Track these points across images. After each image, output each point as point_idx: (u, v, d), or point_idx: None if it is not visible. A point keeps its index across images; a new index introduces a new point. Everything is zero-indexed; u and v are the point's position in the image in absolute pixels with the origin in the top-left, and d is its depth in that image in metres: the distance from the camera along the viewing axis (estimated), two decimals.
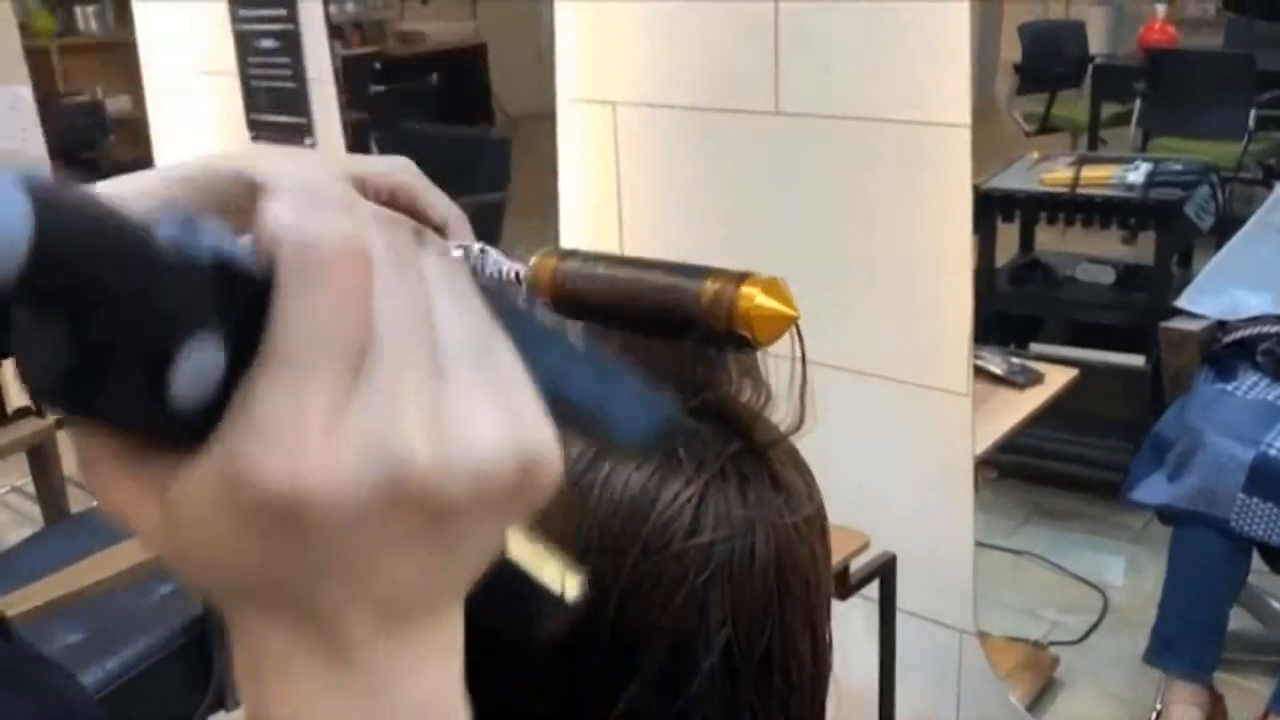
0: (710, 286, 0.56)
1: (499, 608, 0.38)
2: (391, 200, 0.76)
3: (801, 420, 0.59)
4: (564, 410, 0.34)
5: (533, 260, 0.64)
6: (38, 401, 0.26)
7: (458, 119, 6.18)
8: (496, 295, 0.33)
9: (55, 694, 0.71)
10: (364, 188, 0.75)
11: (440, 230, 0.77)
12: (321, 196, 0.30)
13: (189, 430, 0.28)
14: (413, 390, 0.29)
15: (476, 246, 0.74)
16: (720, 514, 0.54)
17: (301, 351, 0.28)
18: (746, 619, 0.54)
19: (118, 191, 0.75)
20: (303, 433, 0.28)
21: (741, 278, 0.56)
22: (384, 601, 0.30)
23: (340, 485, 0.28)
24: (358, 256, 0.29)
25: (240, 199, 0.74)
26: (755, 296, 0.55)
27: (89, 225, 0.26)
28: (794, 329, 0.56)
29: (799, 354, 0.57)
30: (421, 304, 0.30)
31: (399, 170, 0.76)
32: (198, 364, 0.28)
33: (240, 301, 0.28)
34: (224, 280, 0.28)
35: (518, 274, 0.70)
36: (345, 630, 0.30)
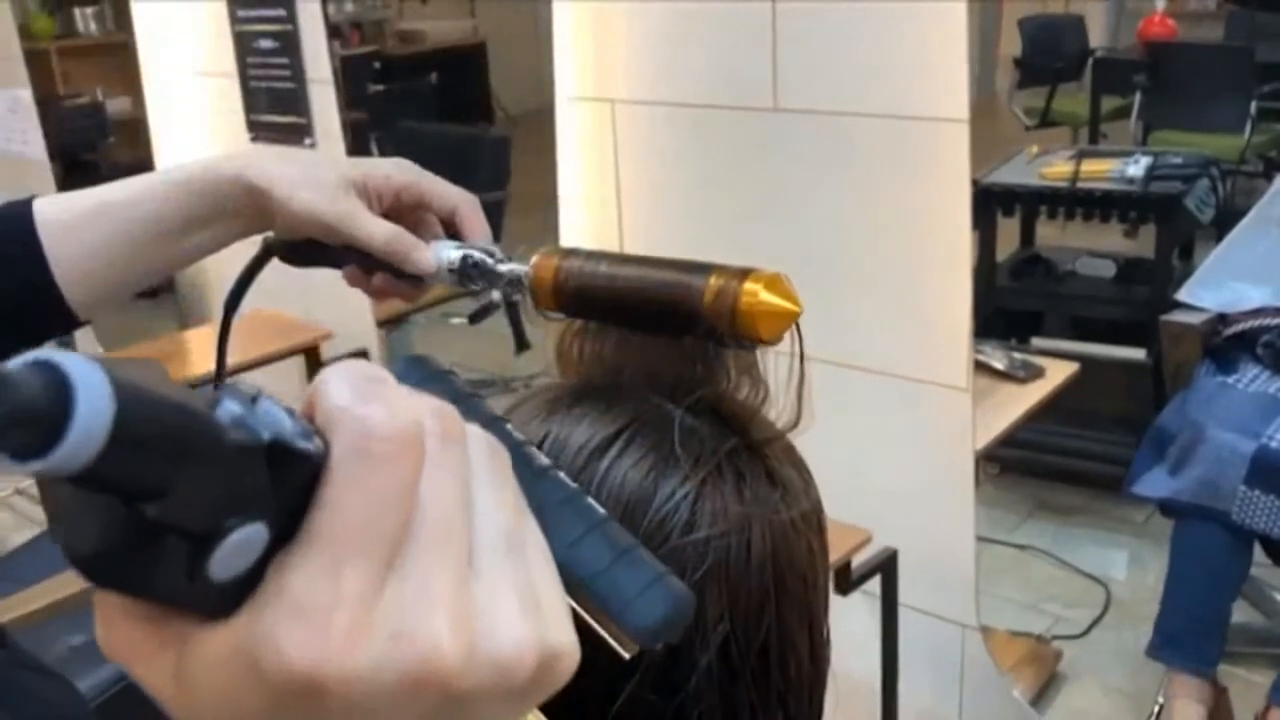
0: (714, 283, 0.56)
1: None
2: (397, 200, 0.76)
3: (799, 418, 0.59)
4: (576, 590, 0.36)
5: (534, 259, 0.64)
6: (74, 566, 0.25)
7: (457, 118, 6.18)
8: (522, 456, 0.33)
9: (52, 706, 0.71)
10: (367, 190, 0.75)
11: (451, 218, 0.77)
12: (381, 379, 0.30)
13: (218, 602, 0.28)
14: (445, 583, 0.29)
15: (478, 254, 0.74)
16: (717, 510, 0.54)
17: (343, 538, 0.28)
18: (743, 615, 0.54)
19: (124, 197, 0.75)
20: (332, 617, 0.27)
21: (745, 273, 0.56)
22: None
23: (363, 672, 0.28)
24: (413, 448, 0.29)
25: (237, 201, 0.74)
26: (759, 292, 0.55)
27: (161, 415, 0.26)
28: (794, 326, 0.56)
29: (798, 351, 0.57)
30: (463, 494, 0.31)
31: (400, 170, 0.76)
32: (241, 542, 0.28)
33: (291, 481, 0.28)
34: (278, 460, 0.28)
35: (518, 275, 0.70)
36: None
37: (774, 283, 0.55)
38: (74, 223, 0.75)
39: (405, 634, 0.28)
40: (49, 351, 0.25)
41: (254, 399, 0.29)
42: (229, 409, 0.28)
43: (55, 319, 0.75)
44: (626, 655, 0.40)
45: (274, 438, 0.28)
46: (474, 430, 0.33)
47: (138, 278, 0.77)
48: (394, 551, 0.29)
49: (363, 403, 0.29)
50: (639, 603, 0.39)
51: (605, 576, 0.38)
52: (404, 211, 0.76)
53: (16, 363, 0.24)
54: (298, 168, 0.73)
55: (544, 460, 0.40)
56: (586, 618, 0.40)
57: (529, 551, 0.32)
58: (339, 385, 0.30)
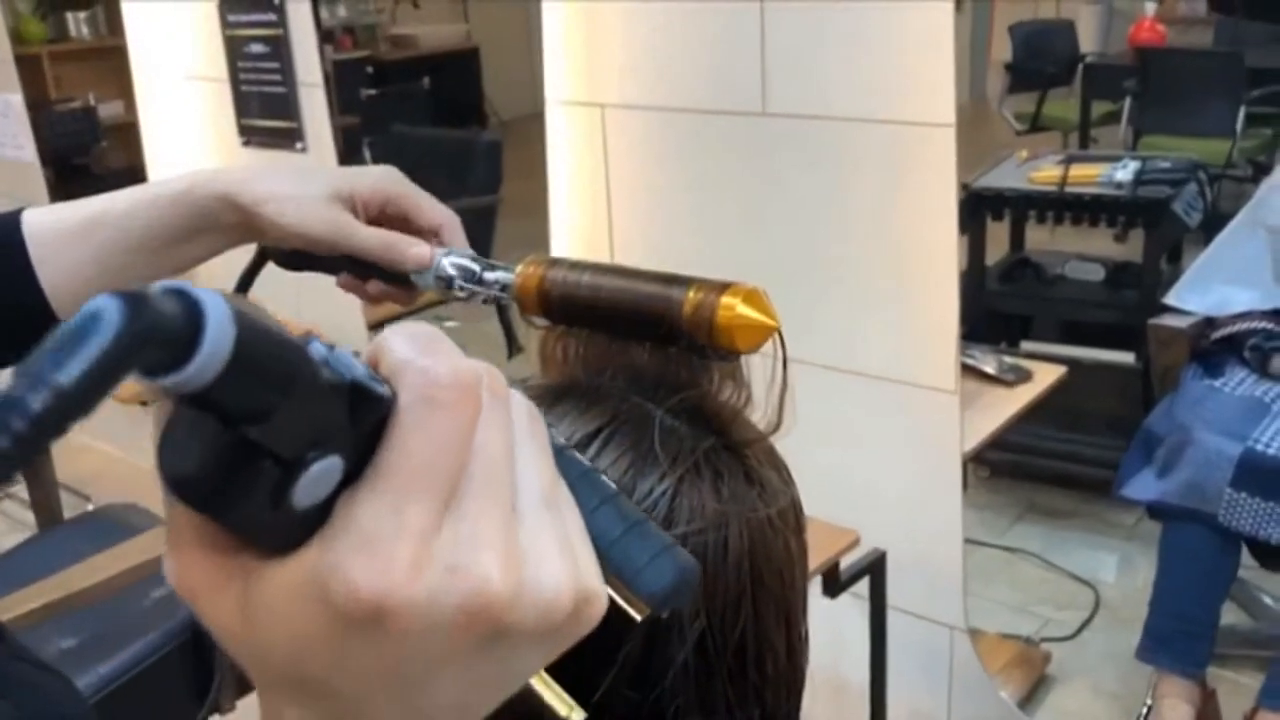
0: (692, 296, 0.57)
1: None
2: (383, 211, 0.77)
3: (780, 422, 0.60)
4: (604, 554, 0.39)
5: (519, 268, 0.65)
6: (171, 488, 0.27)
7: (450, 122, 6.18)
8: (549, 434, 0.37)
9: (49, 699, 0.72)
10: (353, 201, 0.75)
11: (434, 234, 0.78)
12: (439, 337, 0.33)
13: (292, 532, 0.31)
14: (495, 525, 0.32)
15: (466, 261, 0.75)
16: (694, 507, 0.55)
17: (408, 476, 0.30)
18: (720, 611, 0.55)
19: (112, 212, 0.76)
20: (397, 550, 0.30)
21: (723, 287, 0.57)
22: (424, 717, 0.33)
23: (423, 602, 0.30)
24: (473, 398, 0.32)
25: (226, 217, 0.75)
26: (736, 306, 0.56)
27: (270, 345, 0.29)
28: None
29: (780, 363, 0.58)
30: (510, 447, 0.33)
31: (388, 181, 0.77)
32: (322, 473, 0.30)
33: (364, 423, 0.31)
34: (355, 401, 0.31)
35: (504, 284, 0.71)
36: None
37: (752, 297, 0.56)
38: (62, 237, 0.75)
39: (461, 569, 0.30)
40: (177, 282, 0.28)
41: (331, 347, 0.32)
42: (318, 349, 0.31)
43: (45, 331, 0.76)
44: (638, 618, 0.42)
45: (354, 379, 0.31)
46: (515, 394, 0.35)
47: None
48: (451, 493, 0.31)
49: (427, 355, 0.32)
50: (649, 570, 0.41)
51: (618, 545, 0.40)
52: (387, 223, 0.77)
53: (154, 287, 0.27)
54: (285, 183, 0.74)
55: (560, 439, 0.42)
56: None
57: (563, 506, 0.35)
58: (403, 341, 0.32)
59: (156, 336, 0.27)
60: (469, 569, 0.30)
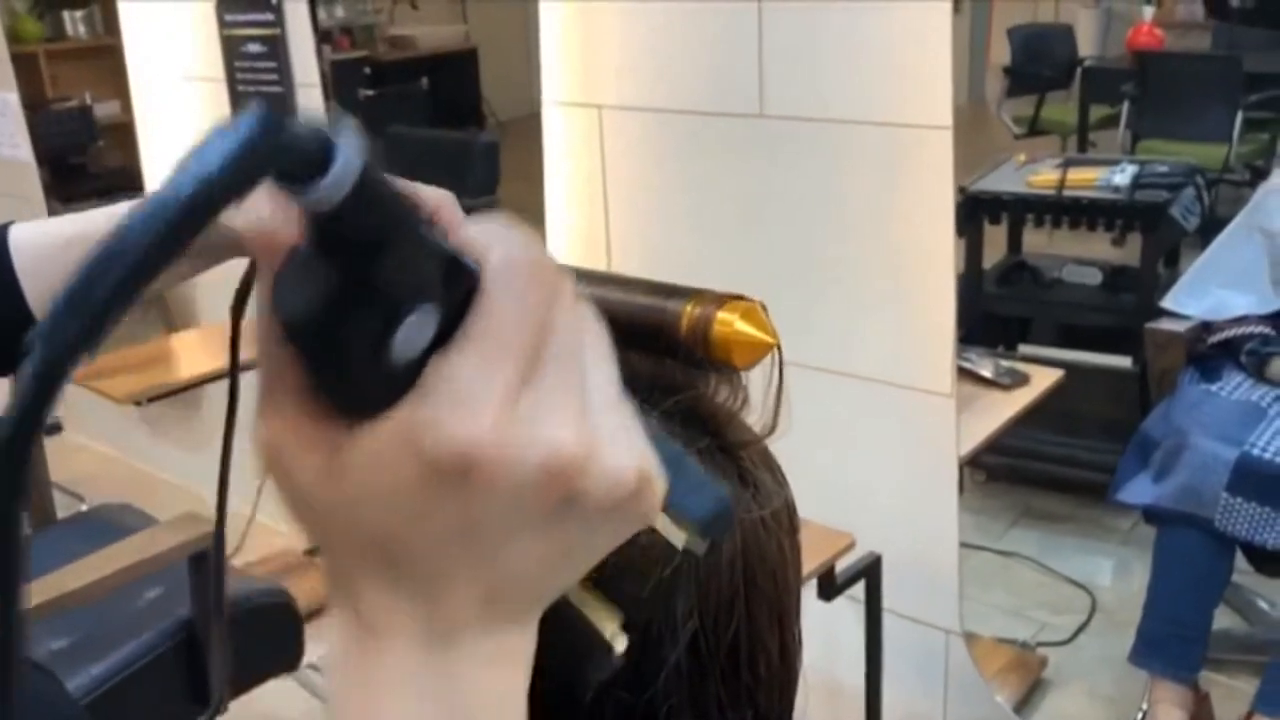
0: (689, 310, 0.57)
1: (558, 651, 0.42)
2: None
3: (775, 425, 0.60)
4: None
5: None
6: (285, 330, 0.32)
7: (448, 123, 6.17)
8: None
9: (41, 697, 0.71)
10: None
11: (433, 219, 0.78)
12: (523, 230, 0.35)
13: (385, 391, 0.32)
14: (572, 398, 0.33)
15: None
16: None
17: (497, 340, 0.32)
18: (713, 612, 0.55)
19: (98, 230, 0.76)
20: (487, 406, 0.31)
21: (721, 301, 0.57)
22: (495, 589, 0.35)
23: (508, 458, 0.32)
24: (558, 278, 0.34)
25: (215, 237, 0.75)
26: (733, 323, 0.55)
27: (387, 188, 0.32)
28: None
29: (777, 368, 0.58)
30: (583, 339, 0.35)
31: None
32: (417, 327, 0.32)
33: (454, 290, 0.33)
34: (449, 269, 0.33)
35: None
36: (451, 607, 0.34)
37: (750, 313, 0.56)
38: (47, 254, 0.75)
39: (541, 431, 0.32)
40: (310, 113, 0.30)
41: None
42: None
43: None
44: (679, 546, 0.44)
45: (450, 250, 0.33)
46: (586, 303, 0.37)
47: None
48: (533, 364, 0.33)
49: (516, 239, 0.34)
50: (690, 500, 0.42)
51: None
52: None
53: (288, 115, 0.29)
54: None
55: None
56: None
57: (623, 398, 0.36)
58: (491, 226, 0.35)
59: (295, 144, 0.29)
60: (548, 432, 0.32)
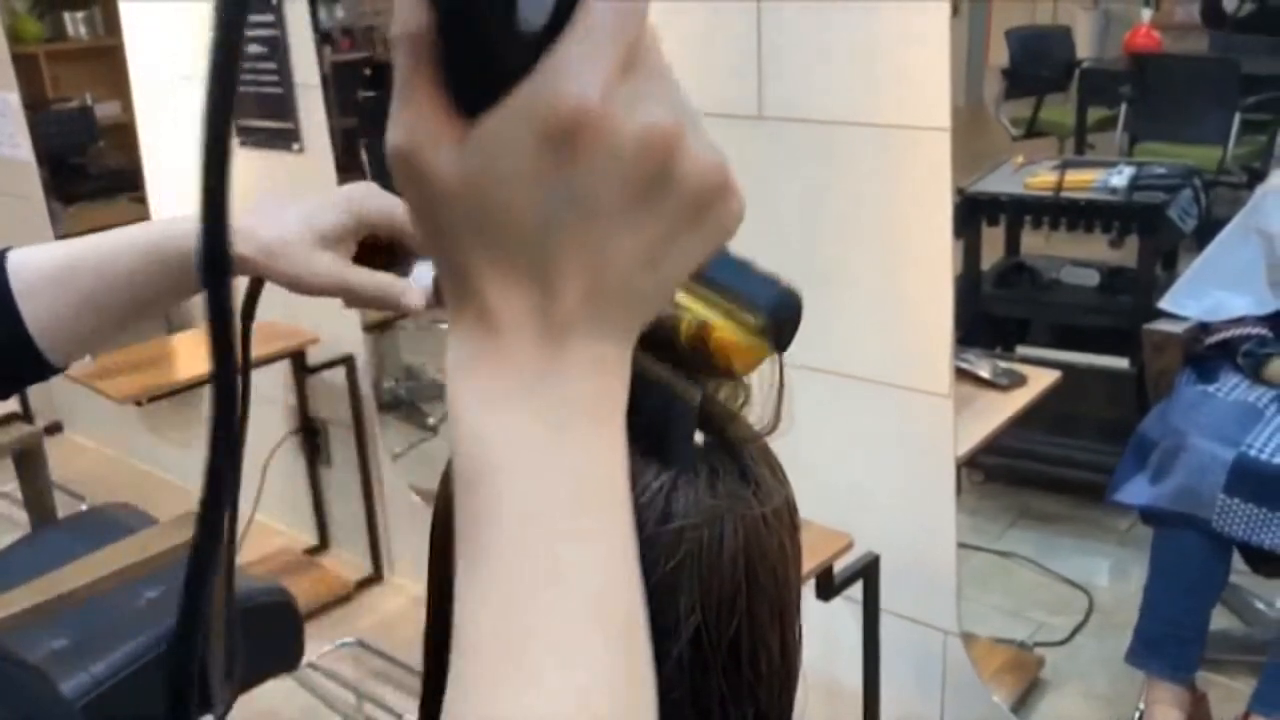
0: (688, 317, 0.58)
1: (644, 414, 0.46)
2: (373, 236, 0.77)
3: (776, 422, 0.61)
4: (708, 281, 0.48)
5: None
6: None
7: None
8: None
9: (23, 691, 0.72)
10: (339, 238, 0.76)
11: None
12: None
13: (511, 61, 0.36)
14: (667, 90, 0.37)
15: None
16: (690, 503, 0.55)
17: (602, 29, 0.36)
18: (715, 607, 0.55)
19: (94, 259, 0.76)
20: (594, 80, 0.35)
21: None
22: (598, 282, 0.38)
23: (610, 125, 0.35)
24: None
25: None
26: (732, 329, 0.56)
27: None
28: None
29: (778, 370, 0.59)
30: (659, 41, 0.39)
31: (369, 204, 0.77)
32: (538, 3, 0.36)
33: None
34: None
35: None
36: (562, 297, 0.38)
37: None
38: (45, 280, 0.76)
39: (640, 110, 0.36)
40: None
41: None
42: None
43: (32, 367, 0.77)
44: (755, 321, 0.49)
45: None
46: None
47: (111, 331, 0.79)
48: (633, 56, 0.36)
49: None
50: (759, 290, 0.48)
51: (729, 271, 0.48)
52: (381, 238, 0.77)
53: None
54: (270, 233, 0.74)
55: None
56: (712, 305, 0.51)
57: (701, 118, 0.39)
58: None
59: None
60: (647, 109, 0.36)
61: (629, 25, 0.36)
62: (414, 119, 0.37)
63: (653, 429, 0.49)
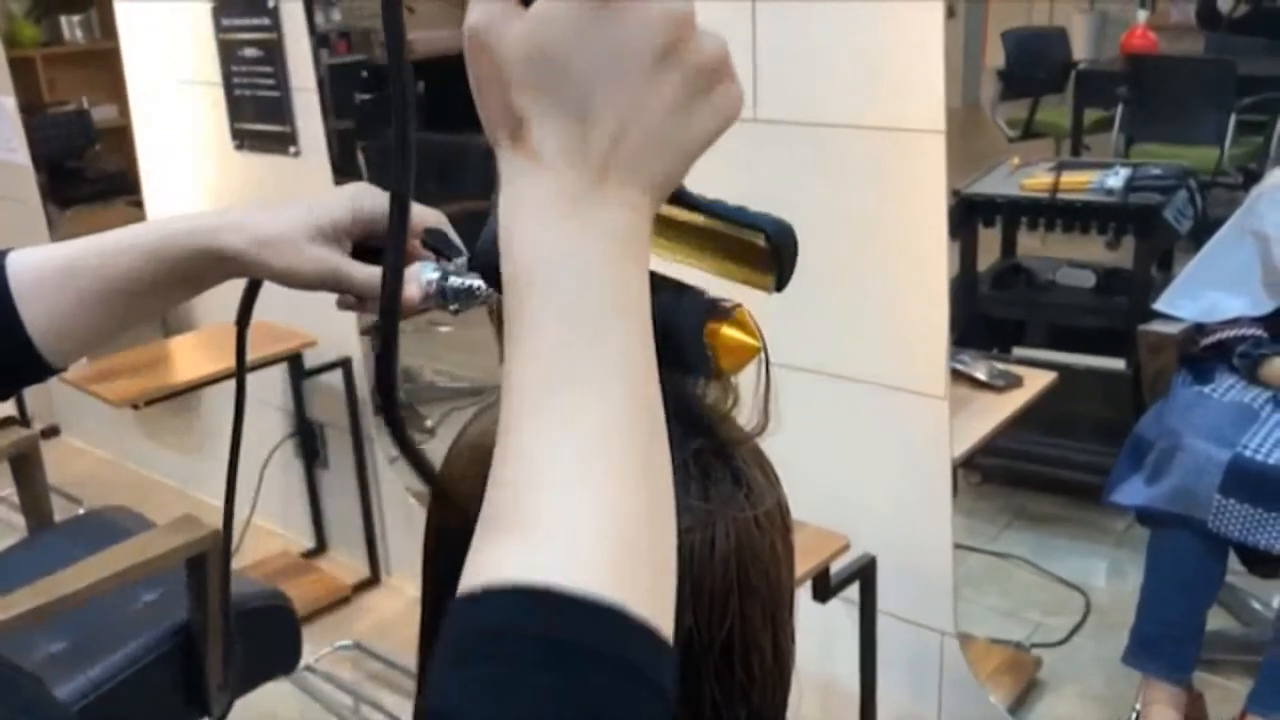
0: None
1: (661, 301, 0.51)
2: (366, 235, 0.78)
3: (765, 424, 0.61)
4: (714, 212, 0.56)
5: None
6: None
7: (445, 127, 6.19)
8: None
9: (19, 695, 0.72)
10: (337, 233, 0.76)
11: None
12: None
13: None
14: None
15: (453, 277, 0.76)
16: (682, 506, 0.55)
17: None
18: (707, 609, 0.56)
19: (93, 260, 0.76)
20: None
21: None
22: (629, 124, 0.45)
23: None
24: None
25: (208, 269, 0.76)
26: (720, 328, 0.56)
27: None
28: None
29: (764, 367, 0.59)
30: None
31: (366, 202, 0.77)
32: None
33: None
34: None
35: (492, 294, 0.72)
36: (596, 130, 0.45)
37: (737, 319, 0.57)
38: (44, 282, 0.76)
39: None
40: None
41: None
42: None
43: (31, 368, 0.77)
44: (761, 243, 0.55)
45: None
46: None
47: (110, 332, 0.79)
48: None
49: None
50: (760, 218, 0.55)
51: (731, 209, 0.56)
52: (376, 238, 0.78)
53: None
54: (269, 231, 0.74)
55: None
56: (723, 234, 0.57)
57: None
58: None
59: None
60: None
61: None
62: (488, 4, 0.46)
63: (665, 327, 0.52)
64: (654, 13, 0.45)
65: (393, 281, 0.53)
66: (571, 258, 0.46)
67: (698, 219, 0.56)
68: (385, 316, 0.53)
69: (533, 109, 0.46)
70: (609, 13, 0.44)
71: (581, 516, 0.43)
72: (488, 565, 0.42)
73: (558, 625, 0.40)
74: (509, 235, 0.47)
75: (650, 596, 0.43)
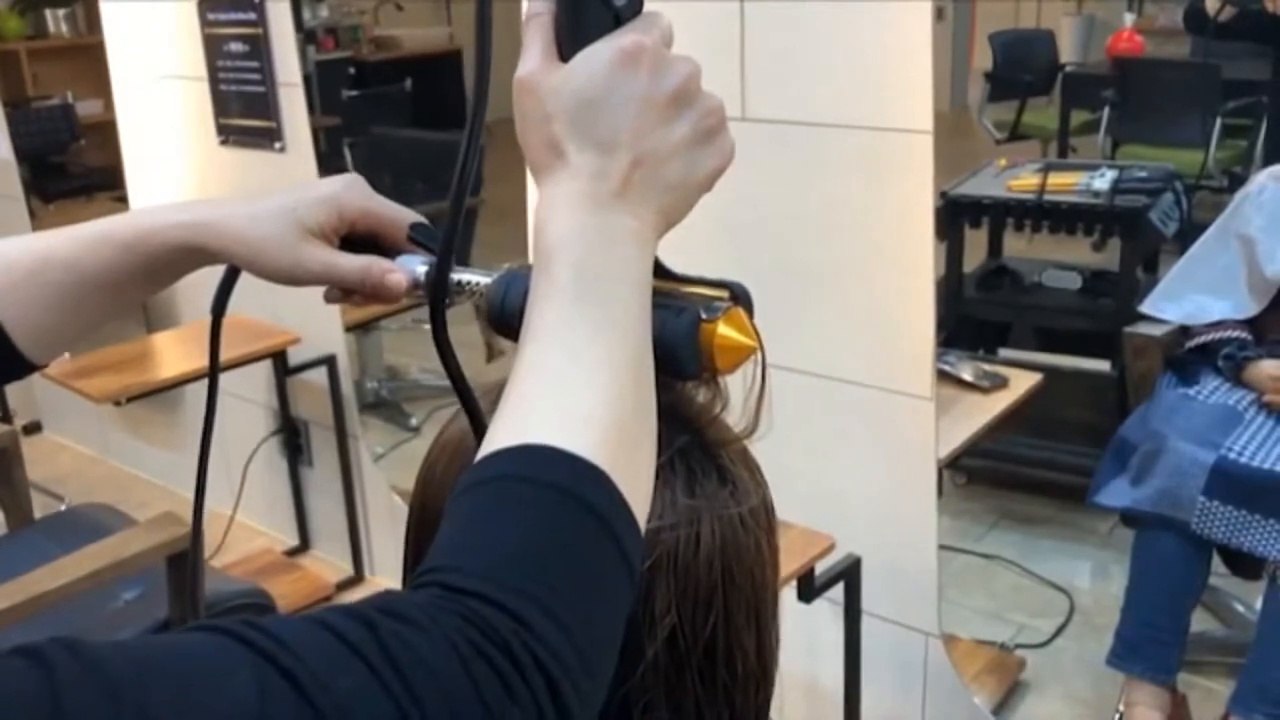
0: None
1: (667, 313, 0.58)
2: (353, 228, 0.77)
3: (755, 425, 0.61)
4: (676, 277, 0.62)
5: (493, 279, 0.65)
6: None
7: (431, 124, 6.17)
8: None
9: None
10: (321, 226, 0.75)
11: (405, 237, 0.78)
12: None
13: (597, 33, 0.56)
14: (693, 63, 0.59)
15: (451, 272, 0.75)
16: (667, 503, 0.55)
17: (655, 22, 0.59)
18: (691, 607, 0.55)
19: (64, 255, 0.75)
20: (652, 33, 0.57)
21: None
22: (643, 156, 0.56)
23: (662, 56, 0.57)
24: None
25: (185, 263, 0.75)
26: (718, 327, 0.56)
27: None
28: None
29: (759, 370, 0.59)
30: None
31: (351, 195, 0.76)
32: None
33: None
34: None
35: (480, 286, 0.71)
36: (616, 161, 0.55)
37: (733, 317, 0.57)
38: (15, 279, 0.75)
39: (679, 59, 0.58)
40: None
41: None
42: None
43: (9, 365, 0.76)
44: (722, 292, 0.61)
45: None
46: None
47: (85, 327, 0.78)
48: (667, 41, 0.59)
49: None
50: (716, 280, 0.62)
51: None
52: (358, 233, 0.77)
53: None
54: (249, 224, 0.73)
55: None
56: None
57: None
58: None
59: None
60: (683, 60, 0.58)
61: (662, 30, 0.59)
62: (535, 58, 0.57)
63: (662, 327, 0.57)
64: (673, 65, 0.57)
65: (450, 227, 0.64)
66: (590, 235, 0.54)
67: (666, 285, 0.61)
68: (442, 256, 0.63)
69: (570, 141, 0.56)
70: (631, 67, 0.55)
71: (576, 403, 0.50)
72: (489, 444, 0.49)
73: (545, 472, 0.46)
74: (541, 226, 0.56)
75: (631, 484, 0.48)
